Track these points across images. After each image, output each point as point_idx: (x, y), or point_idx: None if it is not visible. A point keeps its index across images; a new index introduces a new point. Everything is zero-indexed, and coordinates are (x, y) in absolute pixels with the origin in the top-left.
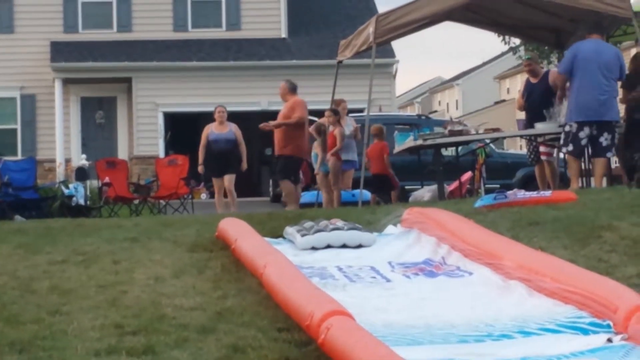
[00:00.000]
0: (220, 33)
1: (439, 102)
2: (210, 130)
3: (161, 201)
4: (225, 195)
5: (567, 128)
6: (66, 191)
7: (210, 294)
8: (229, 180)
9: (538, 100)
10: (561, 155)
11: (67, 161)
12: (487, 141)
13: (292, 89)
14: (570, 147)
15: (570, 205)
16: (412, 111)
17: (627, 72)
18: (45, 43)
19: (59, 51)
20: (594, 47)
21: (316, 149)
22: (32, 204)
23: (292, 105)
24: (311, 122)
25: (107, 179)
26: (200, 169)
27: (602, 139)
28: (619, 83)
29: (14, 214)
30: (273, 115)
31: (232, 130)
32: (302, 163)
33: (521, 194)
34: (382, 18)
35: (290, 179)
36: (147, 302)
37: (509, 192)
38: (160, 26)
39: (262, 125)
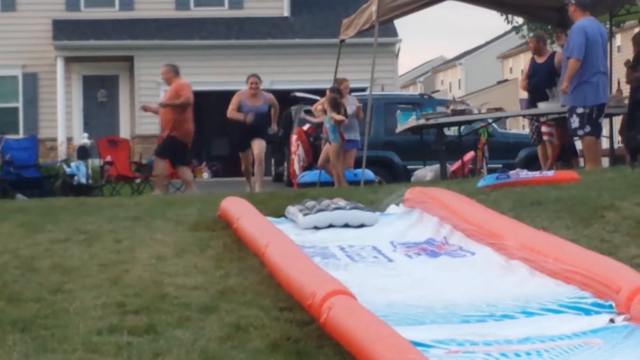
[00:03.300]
0: (222, 12)
1: (442, 81)
2: (243, 102)
3: None
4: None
5: (579, 111)
6: (68, 170)
7: (212, 273)
8: (258, 147)
9: (542, 81)
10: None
11: (69, 140)
12: (490, 121)
13: (176, 72)
14: (588, 129)
15: (573, 185)
16: (415, 90)
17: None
18: (47, 21)
19: (61, 29)
20: (596, 27)
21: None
22: (34, 182)
23: (177, 88)
24: (313, 101)
25: (108, 158)
26: (248, 118)
27: (600, 120)
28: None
29: (16, 193)
30: (276, 94)
31: (266, 102)
32: (187, 146)
33: (524, 174)
34: None
35: (167, 159)
36: (149, 281)
37: (512, 172)
38: (162, 4)
39: (143, 106)
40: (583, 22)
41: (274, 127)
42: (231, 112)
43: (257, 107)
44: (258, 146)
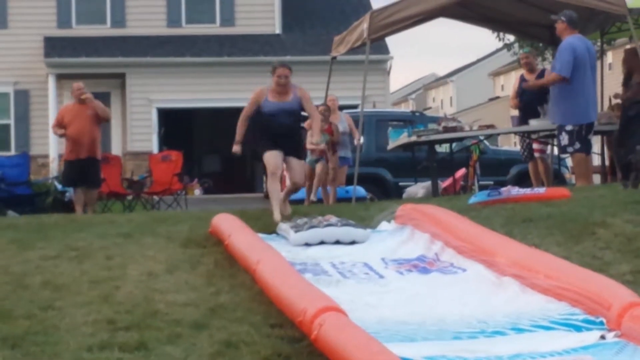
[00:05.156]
0: (214, 29)
1: (433, 98)
2: (265, 99)
3: (154, 197)
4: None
5: (568, 128)
6: (59, 187)
7: (203, 289)
8: (297, 167)
9: (533, 98)
10: (555, 152)
11: (61, 157)
12: (481, 138)
13: None
14: (578, 145)
15: (564, 202)
16: (407, 108)
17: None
18: (39, 38)
19: (53, 47)
20: (584, 45)
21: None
22: (25, 199)
23: (100, 104)
24: (304, 118)
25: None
26: (235, 148)
27: (590, 137)
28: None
29: (7, 210)
30: None
31: (296, 98)
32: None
33: (515, 191)
34: (376, 14)
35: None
36: (140, 298)
37: (503, 189)
38: (154, 22)
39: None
40: (571, 39)
41: (313, 139)
42: (242, 120)
43: (284, 104)
44: (297, 169)
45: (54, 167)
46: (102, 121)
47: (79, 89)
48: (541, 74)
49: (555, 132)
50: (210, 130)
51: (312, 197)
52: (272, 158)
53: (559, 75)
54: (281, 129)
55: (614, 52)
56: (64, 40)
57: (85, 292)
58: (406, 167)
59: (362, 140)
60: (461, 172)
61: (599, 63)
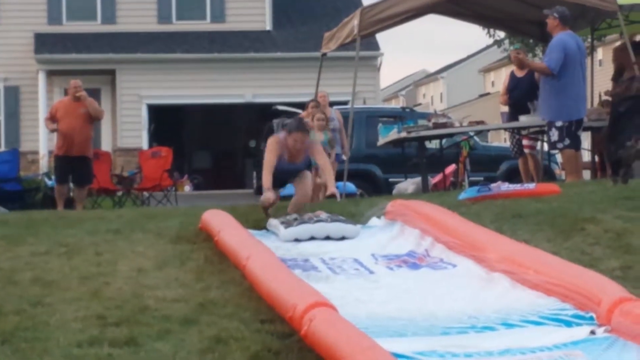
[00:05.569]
0: (204, 25)
1: (424, 94)
2: (281, 157)
3: (144, 193)
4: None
5: (558, 124)
6: (49, 183)
7: (193, 285)
8: (307, 184)
9: (523, 94)
10: (545, 148)
11: (51, 153)
12: (471, 134)
13: None
14: (568, 141)
15: (554, 198)
16: (397, 104)
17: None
18: (29, 35)
19: (43, 43)
20: (574, 42)
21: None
22: (15, 195)
23: (94, 102)
24: (294, 114)
25: None
26: (270, 195)
27: (579, 133)
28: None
29: None
30: (257, 107)
31: (307, 158)
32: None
33: (505, 187)
34: (366, 10)
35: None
36: (130, 294)
37: (493, 185)
38: (144, 18)
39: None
40: (562, 36)
41: (328, 192)
42: (268, 170)
43: (294, 166)
44: (305, 183)
45: (44, 164)
46: (94, 120)
47: (75, 86)
48: (531, 70)
49: (545, 128)
50: (200, 126)
51: None
52: (265, 202)
53: (547, 67)
54: (288, 177)
55: (604, 48)
56: (55, 36)
57: (75, 288)
58: (396, 163)
59: (348, 155)
60: (451, 168)
61: (589, 59)
